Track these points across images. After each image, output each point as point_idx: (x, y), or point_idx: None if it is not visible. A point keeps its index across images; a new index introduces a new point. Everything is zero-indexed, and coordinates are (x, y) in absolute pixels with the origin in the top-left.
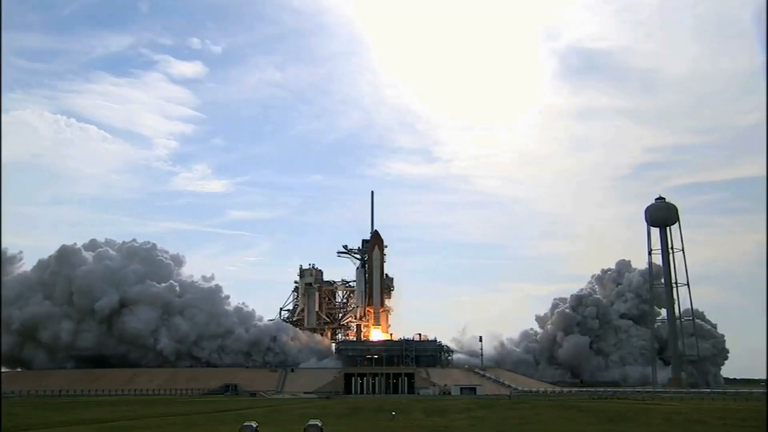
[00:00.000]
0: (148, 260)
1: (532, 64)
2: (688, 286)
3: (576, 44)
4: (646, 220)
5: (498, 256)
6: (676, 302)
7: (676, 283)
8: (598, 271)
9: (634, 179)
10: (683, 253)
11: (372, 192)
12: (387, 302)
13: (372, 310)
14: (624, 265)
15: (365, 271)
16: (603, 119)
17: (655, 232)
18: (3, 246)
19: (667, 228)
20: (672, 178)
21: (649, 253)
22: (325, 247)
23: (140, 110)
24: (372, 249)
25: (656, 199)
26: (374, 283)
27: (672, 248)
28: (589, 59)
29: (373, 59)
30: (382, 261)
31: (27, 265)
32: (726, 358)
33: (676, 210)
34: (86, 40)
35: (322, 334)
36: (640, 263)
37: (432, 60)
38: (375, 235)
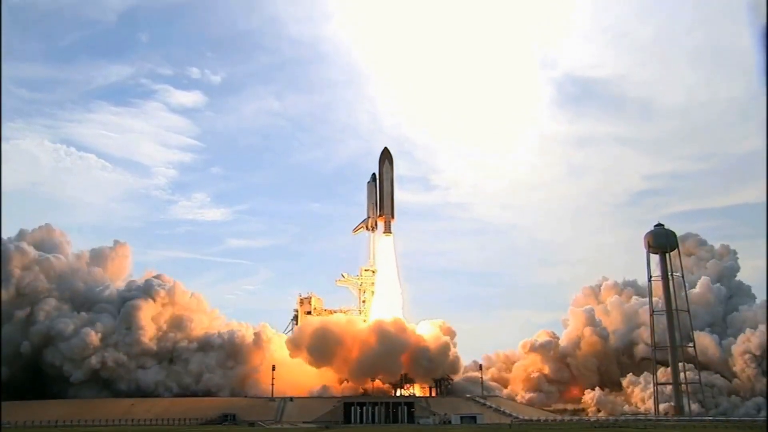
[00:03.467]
0: None
1: (529, 92)
2: (689, 312)
3: (572, 72)
4: (646, 247)
5: (497, 283)
6: (677, 329)
7: (676, 309)
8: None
9: (632, 206)
10: (683, 279)
11: (370, 219)
12: None
13: (384, 220)
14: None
15: (376, 185)
16: (600, 147)
17: (655, 258)
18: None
19: (667, 254)
20: (670, 204)
21: (649, 280)
22: (324, 275)
23: (140, 139)
24: (382, 163)
25: (655, 225)
26: (385, 194)
27: (672, 274)
28: (586, 87)
29: (371, 88)
30: (392, 174)
31: None
32: None
33: (675, 236)
34: (87, 70)
35: None
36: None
37: (430, 88)
38: (385, 150)
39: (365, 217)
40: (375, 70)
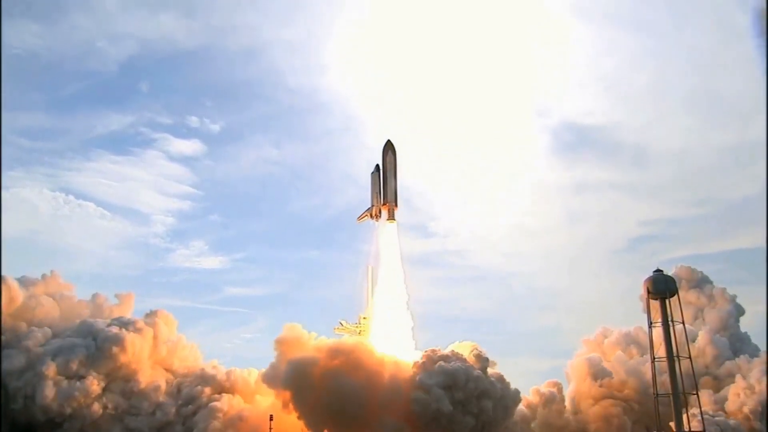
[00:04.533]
0: None
1: (525, 140)
2: (690, 359)
3: (568, 120)
4: (645, 293)
5: (497, 330)
6: (679, 375)
7: (677, 356)
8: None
9: (630, 252)
10: (683, 325)
11: (369, 268)
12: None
13: (388, 207)
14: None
15: (379, 174)
16: (597, 193)
17: (655, 305)
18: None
19: (666, 301)
20: (668, 250)
21: (650, 326)
22: (323, 323)
23: (138, 187)
24: (386, 154)
25: (654, 271)
26: (388, 182)
27: (672, 321)
28: (582, 135)
29: (368, 137)
30: (396, 164)
31: None
32: None
33: (675, 282)
34: (87, 119)
35: None
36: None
37: (427, 137)
38: (388, 142)
39: (369, 206)
40: (372, 119)
